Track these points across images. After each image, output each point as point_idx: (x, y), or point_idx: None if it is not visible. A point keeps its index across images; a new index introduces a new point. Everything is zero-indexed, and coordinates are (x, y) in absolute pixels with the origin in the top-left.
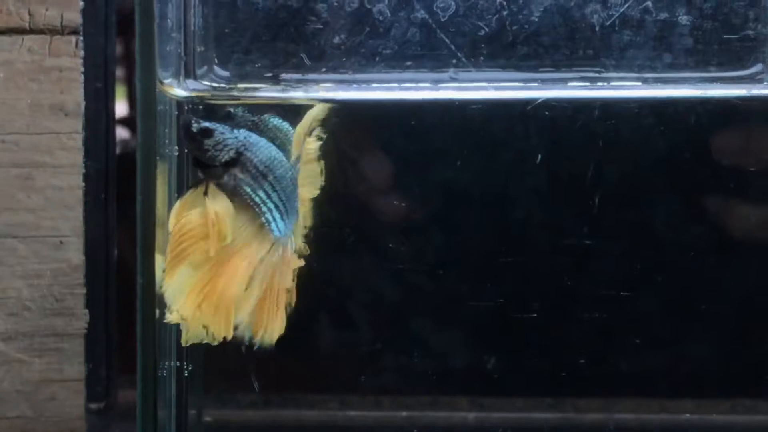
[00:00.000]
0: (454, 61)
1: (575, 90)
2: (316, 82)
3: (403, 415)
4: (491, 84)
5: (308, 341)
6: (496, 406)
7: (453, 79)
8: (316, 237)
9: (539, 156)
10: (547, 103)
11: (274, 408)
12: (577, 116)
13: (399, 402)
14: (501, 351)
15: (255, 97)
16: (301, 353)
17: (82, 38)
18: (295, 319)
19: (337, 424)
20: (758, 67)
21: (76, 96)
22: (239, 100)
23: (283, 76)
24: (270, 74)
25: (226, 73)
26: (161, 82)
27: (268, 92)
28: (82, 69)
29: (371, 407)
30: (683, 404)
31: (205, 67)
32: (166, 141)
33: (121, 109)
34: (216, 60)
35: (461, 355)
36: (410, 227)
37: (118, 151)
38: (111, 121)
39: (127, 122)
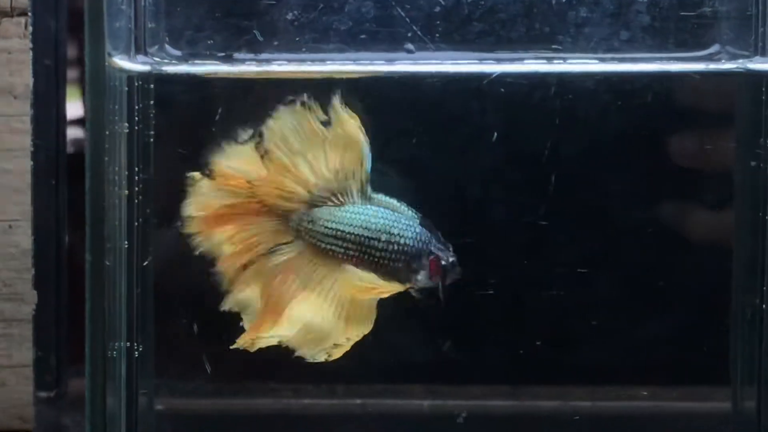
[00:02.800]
0: (410, 34)
1: (531, 65)
2: (269, 61)
3: (357, 403)
4: (447, 60)
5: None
6: (451, 394)
7: (409, 55)
8: None
9: (494, 132)
10: (504, 80)
11: (227, 397)
12: (533, 92)
13: (353, 390)
14: (456, 337)
15: (205, 72)
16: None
17: (31, 19)
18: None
19: (290, 412)
20: (716, 47)
21: (25, 78)
22: (190, 75)
23: (237, 55)
24: (223, 54)
25: (177, 52)
26: (110, 56)
27: (218, 67)
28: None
29: (325, 395)
30: (638, 392)
31: (157, 45)
32: (116, 117)
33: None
34: (167, 37)
35: (416, 343)
36: None
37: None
38: (61, 103)
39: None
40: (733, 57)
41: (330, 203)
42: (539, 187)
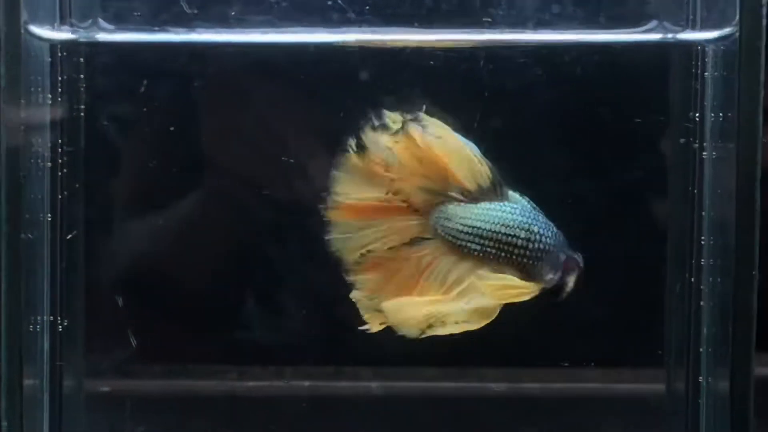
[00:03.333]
0: (330, 2)
1: (458, 35)
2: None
3: (306, 386)
4: (370, 28)
5: (207, 311)
6: (400, 376)
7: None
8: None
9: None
10: (432, 52)
11: (171, 378)
12: (461, 65)
13: (301, 372)
14: None
15: (131, 42)
16: (200, 323)
17: None
18: (193, 288)
19: (236, 395)
20: (653, 23)
21: None
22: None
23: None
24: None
25: (110, 26)
26: (27, 24)
27: (144, 36)
28: None
29: (272, 378)
30: (586, 374)
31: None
32: (39, 89)
33: None
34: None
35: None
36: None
37: None
38: None
39: None
40: (668, 31)
41: (465, 200)
42: None
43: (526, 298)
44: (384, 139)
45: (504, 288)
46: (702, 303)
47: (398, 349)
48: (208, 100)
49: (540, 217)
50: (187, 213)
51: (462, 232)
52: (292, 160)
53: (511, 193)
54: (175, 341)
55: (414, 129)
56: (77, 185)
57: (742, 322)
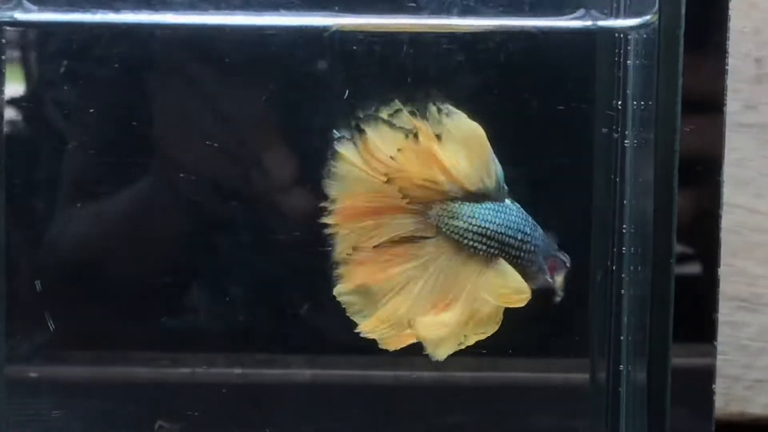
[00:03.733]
0: None
1: (382, 19)
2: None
3: (237, 373)
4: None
5: (139, 298)
6: (332, 364)
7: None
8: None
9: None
10: (354, 37)
11: (104, 365)
12: (384, 49)
13: (233, 359)
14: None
15: (54, 22)
16: (132, 310)
17: None
18: (122, 275)
19: (168, 381)
20: (580, 12)
21: None
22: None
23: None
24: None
25: (33, 6)
26: None
27: (67, 16)
28: None
29: (204, 365)
30: (514, 363)
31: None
32: None
33: None
34: None
35: (297, 313)
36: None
37: None
38: None
39: None
40: (595, 20)
41: (469, 199)
42: None
43: (524, 303)
44: (389, 135)
45: (507, 291)
46: (623, 291)
47: (330, 338)
48: (132, 83)
49: (529, 219)
50: (112, 198)
51: (469, 231)
52: (216, 144)
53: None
54: (104, 327)
55: (422, 126)
56: None
57: (659, 311)
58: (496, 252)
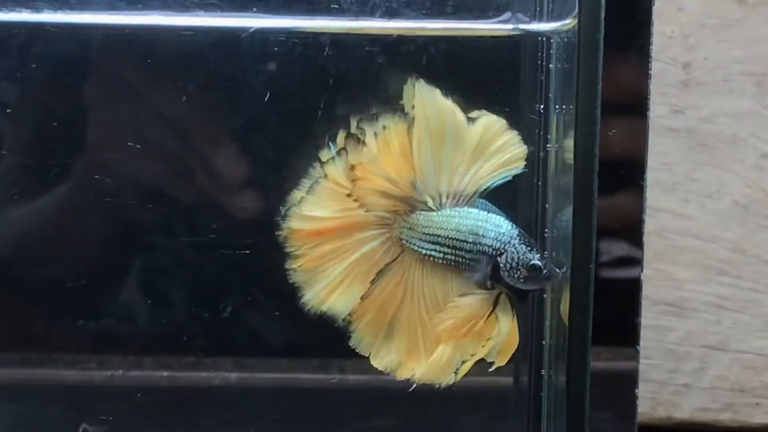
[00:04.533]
0: None
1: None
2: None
3: (164, 375)
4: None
5: (67, 300)
6: (259, 367)
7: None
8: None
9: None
10: (275, 38)
11: (31, 366)
12: (305, 51)
13: (161, 362)
14: (265, 309)
15: None
16: (61, 312)
17: None
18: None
19: (95, 383)
20: (506, 15)
21: None
22: None
23: None
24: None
25: None
26: None
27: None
28: None
29: (131, 367)
30: None
31: None
32: None
33: None
34: None
35: (222, 315)
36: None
37: None
38: None
39: None
40: (520, 23)
41: (427, 207)
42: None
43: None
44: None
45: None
46: (545, 295)
47: (257, 340)
48: (51, 83)
49: (493, 221)
50: (42, 200)
51: (423, 241)
52: (139, 145)
53: (480, 201)
54: (30, 329)
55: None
56: None
57: (578, 315)
58: (452, 257)
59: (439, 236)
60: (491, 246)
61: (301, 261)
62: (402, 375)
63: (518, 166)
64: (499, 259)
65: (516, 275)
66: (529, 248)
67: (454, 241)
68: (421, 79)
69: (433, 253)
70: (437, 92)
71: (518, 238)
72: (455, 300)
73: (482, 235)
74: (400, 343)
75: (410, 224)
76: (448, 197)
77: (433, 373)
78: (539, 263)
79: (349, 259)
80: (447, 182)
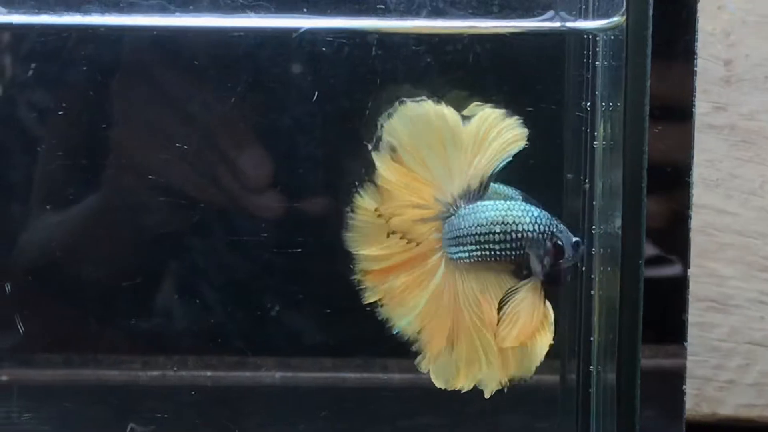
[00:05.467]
0: None
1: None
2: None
3: (208, 375)
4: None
5: (111, 301)
6: (303, 366)
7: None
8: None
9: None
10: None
11: (75, 367)
12: (352, 51)
13: (203, 362)
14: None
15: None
16: (103, 313)
17: None
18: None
19: (139, 384)
20: (550, 14)
21: None
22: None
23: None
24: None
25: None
26: None
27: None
28: None
29: (175, 367)
30: None
31: None
32: None
33: None
34: None
35: (266, 315)
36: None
37: None
38: None
39: None
40: (563, 21)
41: (450, 213)
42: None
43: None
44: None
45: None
46: (593, 292)
47: (301, 340)
48: (101, 86)
49: (519, 207)
50: (87, 202)
51: (451, 246)
52: (186, 147)
53: (496, 186)
54: (75, 330)
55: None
56: None
57: (628, 312)
58: (477, 253)
59: (461, 236)
60: (539, 230)
61: (383, 298)
62: (466, 386)
63: (519, 146)
64: (550, 243)
65: (570, 255)
66: (564, 227)
67: (476, 236)
68: (404, 103)
69: (460, 255)
70: (425, 105)
71: (553, 219)
72: (510, 301)
73: (513, 223)
74: (460, 354)
75: (444, 233)
76: (461, 197)
77: (505, 372)
78: (579, 239)
79: (428, 287)
80: (459, 183)
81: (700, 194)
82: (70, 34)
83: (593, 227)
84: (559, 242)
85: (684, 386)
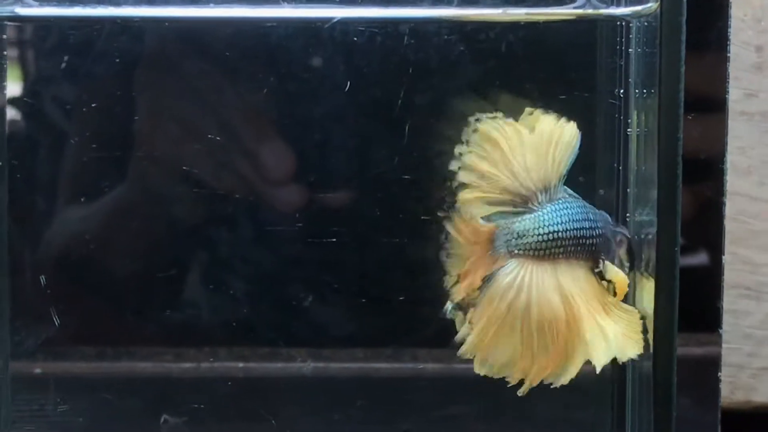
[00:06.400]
0: None
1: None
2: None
3: (240, 366)
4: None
5: (142, 294)
6: (334, 357)
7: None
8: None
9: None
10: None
11: (108, 360)
12: (386, 40)
13: (235, 353)
14: (336, 300)
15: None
16: (134, 305)
17: None
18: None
19: (171, 376)
20: (582, 1)
21: None
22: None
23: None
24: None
25: (33, 2)
26: None
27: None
28: None
29: (206, 359)
30: None
31: None
32: None
33: None
34: None
35: (297, 306)
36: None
37: None
38: None
39: None
40: (595, 8)
41: (528, 210)
42: (391, 137)
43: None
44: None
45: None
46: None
47: (331, 331)
48: (135, 79)
49: (584, 204)
50: (117, 195)
51: (542, 242)
52: (218, 138)
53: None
54: (109, 323)
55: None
56: (0, 164)
57: (663, 300)
58: (572, 248)
59: (557, 231)
60: (604, 228)
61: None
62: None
63: (576, 145)
64: (618, 237)
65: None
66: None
67: (574, 231)
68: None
69: (553, 250)
70: (497, 122)
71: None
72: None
73: (594, 219)
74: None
75: (518, 233)
76: (543, 195)
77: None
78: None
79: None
80: (538, 182)
81: (732, 182)
82: (101, 26)
83: (627, 215)
84: (622, 231)
85: (719, 374)
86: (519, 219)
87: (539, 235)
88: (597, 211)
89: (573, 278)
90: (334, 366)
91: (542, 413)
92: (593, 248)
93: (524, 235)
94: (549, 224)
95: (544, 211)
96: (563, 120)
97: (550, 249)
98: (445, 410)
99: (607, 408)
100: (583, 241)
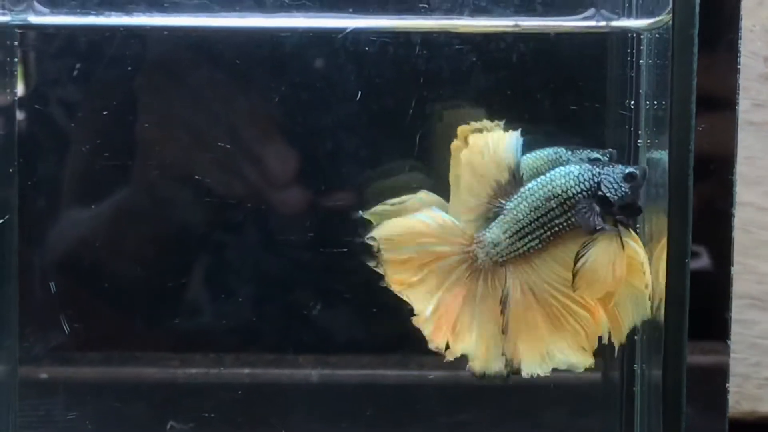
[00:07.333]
0: None
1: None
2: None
3: (246, 373)
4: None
5: (148, 299)
6: (341, 364)
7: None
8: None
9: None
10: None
11: (114, 365)
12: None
13: (241, 359)
14: (344, 306)
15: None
16: (142, 311)
17: None
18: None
19: (177, 381)
20: (591, 11)
21: None
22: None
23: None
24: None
25: (45, 9)
26: None
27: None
28: None
29: (212, 365)
30: None
31: (24, 2)
32: None
33: None
34: None
35: (303, 313)
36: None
37: None
38: None
39: None
40: (606, 19)
41: (494, 215)
42: (402, 146)
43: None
44: None
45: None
46: None
47: (338, 337)
48: (145, 85)
49: (558, 173)
50: (124, 200)
51: (514, 243)
52: (228, 146)
53: (582, 152)
54: (115, 329)
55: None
56: (10, 170)
57: (674, 310)
58: (546, 235)
59: (523, 228)
60: (583, 188)
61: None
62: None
63: (516, 132)
64: (600, 192)
65: (621, 194)
66: (610, 165)
67: (537, 220)
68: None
69: (531, 246)
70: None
71: (593, 163)
72: (584, 255)
73: (563, 190)
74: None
75: (492, 242)
76: (503, 197)
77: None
78: (633, 169)
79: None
80: (491, 191)
81: (740, 192)
82: (113, 33)
83: (637, 225)
84: (607, 193)
85: (727, 384)
86: (488, 229)
87: (510, 239)
88: (575, 174)
89: (565, 261)
90: (341, 373)
91: (549, 421)
92: (570, 223)
93: (497, 244)
94: (513, 222)
95: (507, 209)
96: (493, 126)
97: (524, 246)
98: (452, 417)
99: (615, 416)
100: (554, 222)
